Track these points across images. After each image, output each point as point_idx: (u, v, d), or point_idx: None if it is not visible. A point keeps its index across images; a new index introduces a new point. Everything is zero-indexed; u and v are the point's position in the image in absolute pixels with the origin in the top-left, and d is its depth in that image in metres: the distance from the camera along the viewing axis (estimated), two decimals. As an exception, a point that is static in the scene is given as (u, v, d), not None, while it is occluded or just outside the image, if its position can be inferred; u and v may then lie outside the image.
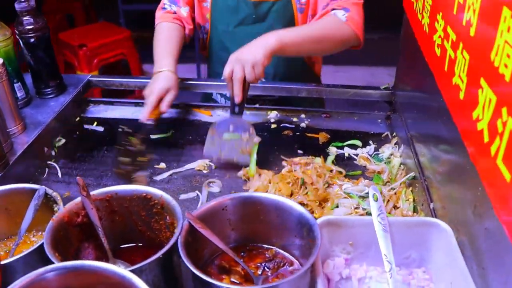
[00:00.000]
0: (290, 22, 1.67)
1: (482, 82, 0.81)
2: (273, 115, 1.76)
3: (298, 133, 1.66)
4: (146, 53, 4.25)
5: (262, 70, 1.37)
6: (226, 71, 1.38)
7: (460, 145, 1.02)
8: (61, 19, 4.00)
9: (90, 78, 1.84)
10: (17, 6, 1.56)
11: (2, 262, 0.80)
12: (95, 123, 1.73)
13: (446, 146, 1.16)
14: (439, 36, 1.09)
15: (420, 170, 1.32)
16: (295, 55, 1.63)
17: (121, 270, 0.75)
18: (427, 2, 1.21)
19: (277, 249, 1.02)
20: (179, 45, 1.68)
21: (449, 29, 1.01)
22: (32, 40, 1.59)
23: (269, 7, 1.66)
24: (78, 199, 0.98)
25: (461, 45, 0.93)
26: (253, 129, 1.49)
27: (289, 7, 1.65)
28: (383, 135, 1.65)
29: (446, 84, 1.04)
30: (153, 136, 1.65)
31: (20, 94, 1.62)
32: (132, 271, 0.79)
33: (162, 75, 1.56)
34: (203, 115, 1.77)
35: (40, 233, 1.10)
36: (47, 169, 1.51)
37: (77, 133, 1.69)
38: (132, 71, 3.69)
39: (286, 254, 1.01)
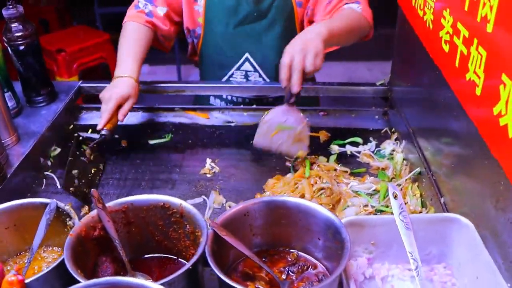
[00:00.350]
0: (290, 17, 1.66)
1: (504, 78, 0.81)
2: (271, 115, 1.74)
3: (298, 132, 1.65)
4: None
5: (322, 60, 1.34)
6: (286, 60, 1.31)
7: (471, 138, 1.03)
8: (35, 25, 3.88)
9: (81, 85, 1.79)
10: (4, 12, 1.50)
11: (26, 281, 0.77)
12: (90, 130, 1.68)
13: (453, 139, 1.17)
14: (447, 32, 1.10)
15: (426, 164, 1.33)
16: (334, 45, 1.56)
17: (155, 285, 0.73)
18: (430, -1, 1.22)
19: (299, 252, 1.01)
20: (145, 49, 1.62)
21: (459, 26, 1.02)
22: (22, 47, 1.54)
23: (270, 3, 1.64)
24: (94, 212, 0.95)
25: (475, 41, 0.94)
26: (306, 121, 1.45)
27: (289, 2, 1.64)
28: (383, 131, 1.66)
29: (458, 80, 1.05)
30: (151, 142, 1.62)
31: (10, 103, 1.57)
32: (162, 284, 0.77)
33: (123, 81, 1.50)
34: (200, 118, 1.75)
35: (50, 248, 1.06)
36: (44, 180, 1.46)
37: (72, 141, 1.63)
38: (112, 74, 3.60)
39: (308, 257, 1.00)
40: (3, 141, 1.42)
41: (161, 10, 1.67)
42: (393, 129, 1.65)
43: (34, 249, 0.96)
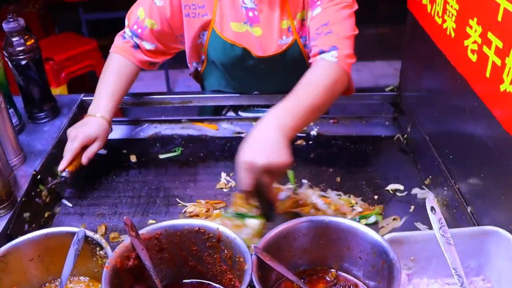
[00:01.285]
0: (298, 59, 1.55)
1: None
2: (281, 124, 1.71)
3: (311, 142, 1.63)
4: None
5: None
6: (247, 183, 1.02)
7: (500, 146, 1.03)
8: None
9: (83, 98, 1.73)
10: (5, 26, 1.43)
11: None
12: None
13: (479, 145, 1.16)
14: (474, 42, 1.09)
15: (447, 172, 1.33)
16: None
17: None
18: (451, 6, 1.21)
19: (338, 271, 0.99)
20: (127, 86, 1.52)
21: (490, 36, 1.01)
22: (24, 62, 1.48)
23: (278, 58, 1.53)
24: (127, 241, 0.91)
25: (512, 52, 0.93)
26: None
27: (297, 48, 1.53)
28: (395, 138, 1.65)
29: (489, 91, 1.04)
30: (161, 156, 1.57)
31: (13, 121, 1.49)
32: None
33: (93, 121, 1.41)
34: (208, 129, 1.71)
35: (76, 278, 1.01)
36: (53, 201, 1.40)
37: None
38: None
39: (348, 276, 0.98)
40: (9, 161, 1.35)
41: (149, 45, 1.54)
42: (405, 136, 1.64)
43: (63, 282, 0.91)
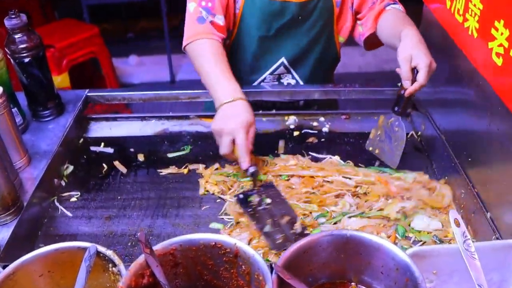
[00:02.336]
0: (329, 17, 1.58)
1: None
2: (291, 120, 1.67)
3: (323, 139, 1.59)
4: (113, 48, 4.04)
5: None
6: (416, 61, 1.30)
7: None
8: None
9: (88, 94, 1.68)
10: (7, 23, 1.38)
11: None
12: (102, 144, 1.58)
13: (496, 147, 1.12)
14: (500, 45, 1.04)
15: (464, 173, 1.29)
16: None
17: None
18: (474, 5, 1.15)
19: (358, 285, 0.96)
20: (229, 67, 1.41)
21: (519, 40, 0.96)
22: (27, 60, 1.43)
23: (315, 4, 1.54)
24: (141, 258, 0.87)
25: (545, 60, 0.88)
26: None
27: (330, 2, 1.56)
28: (409, 135, 1.61)
29: (516, 97, 1.00)
30: (170, 155, 1.54)
31: (17, 120, 1.45)
32: None
33: (241, 106, 1.30)
34: (217, 126, 1.66)
35: (88, 291, 0.98)
36: (59, 204, 1.37)
37: (84, 157, 1.54)
38: (103, 69, 3.47)
39: (368, 290, 0.95)
40: (14, 164, 1.32)
41: (220, 19, 1.47)
42: (419, 133, 1.60)
43: (75, 298, 0.88)
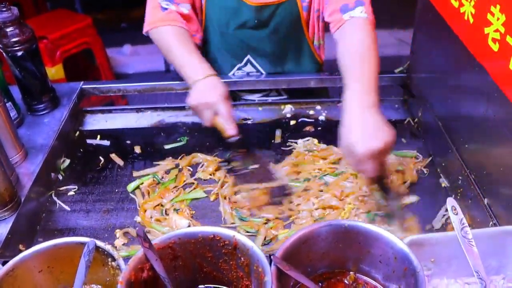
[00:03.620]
0: (295, 22, 1.53)
1: None
2: (287, 109, 1.67)
3: (319, 128, 1.59)
4: (107, 38, 3.99)
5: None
6: (373, 169, 1.10)
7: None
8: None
9: (83, 86, 1.67)
10: (-2, 16, 1.36)
11: None
12: (98, 136, 1.58)
13: (494, 133, 1.12)
14: (496, 30, 1.03)
15: (461, 161, 1.29)
16: None
17: None
18: (470, -10, 1.14)
19: (356, 274, 0.96)
20: (196, 49, 1.43)
21: (515, 25, 0.95)
22: (20, 53, 1.41)
23: (272, 11, 1.49)
24: (140, 252, 0.87)
25: (541, 45, 0.87)
26: None
27: (294, 8, 1.50)
28: (405, 121, 1.61)
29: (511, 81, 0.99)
30: (167, 147, 1.53)
31: (12, 114, 1.44)
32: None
33: (214, 81, 1.33)
34: (213, 116, 1.65)
35: (88, 286, 0.98)
36: (56, 198, 1.36)
37: (81, 150, 1.54)
38: (97, 60, 3.43)
39: (367, 279, 0.96)
40: (10, 159, 1.31)
41: (184, 7, 1.48)
42: (416, 120, 1.60)
43: (75, 293, 0.88)
